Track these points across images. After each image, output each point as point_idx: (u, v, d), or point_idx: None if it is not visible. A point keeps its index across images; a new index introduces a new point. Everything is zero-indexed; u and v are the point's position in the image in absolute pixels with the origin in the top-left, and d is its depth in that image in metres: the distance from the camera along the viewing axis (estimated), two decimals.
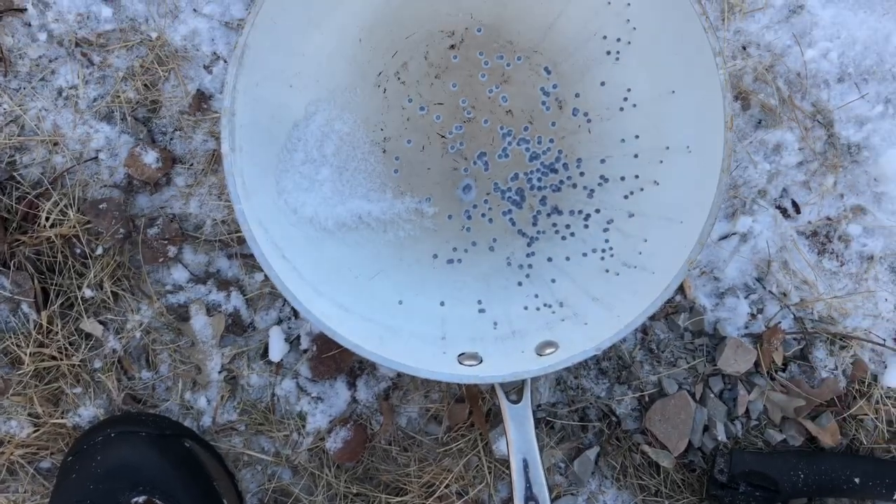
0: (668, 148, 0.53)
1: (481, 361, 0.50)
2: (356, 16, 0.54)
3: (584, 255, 0.56)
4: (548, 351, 0.50)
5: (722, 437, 0.60)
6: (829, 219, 0.62)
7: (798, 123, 0.61)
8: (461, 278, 0.56)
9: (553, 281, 0.56)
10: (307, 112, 0.54)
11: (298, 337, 0.60)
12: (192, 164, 0.59)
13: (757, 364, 0.61)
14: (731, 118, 0.49)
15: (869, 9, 0.61)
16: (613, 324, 0.48)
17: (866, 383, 0.61)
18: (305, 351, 0.60)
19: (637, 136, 0.55)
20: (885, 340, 0.61)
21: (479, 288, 0.56)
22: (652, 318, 0.62)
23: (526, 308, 0.55)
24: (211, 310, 0.59)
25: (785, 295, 0.62)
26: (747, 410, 0.61)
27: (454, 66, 0.57)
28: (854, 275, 0.62)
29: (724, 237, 0.62)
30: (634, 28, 0.53)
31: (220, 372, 0.60)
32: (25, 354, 0.57)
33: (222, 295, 0.59)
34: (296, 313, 0.61)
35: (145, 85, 0.59)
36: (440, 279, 0.56)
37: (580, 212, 0.57)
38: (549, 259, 0.57)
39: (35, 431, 0.58)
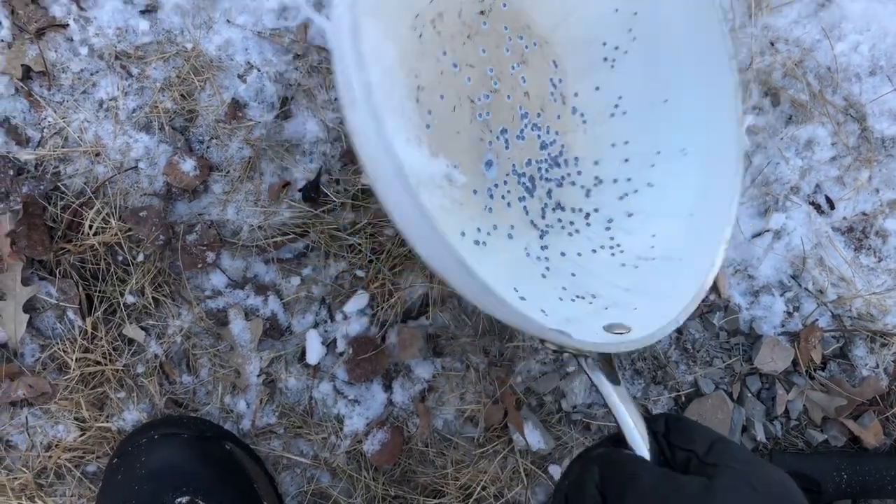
0: (659, 153, 0.54)
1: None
2: None
3: (594, 251, 0.55)
4: (618, 331, 0.46)
5: (761, 437, 0.60)
6: (864, 214, 0.62)
7: (830, 118, 0.61)
8: (490, 261, 0.55)
9: (573, 275, 0.54)
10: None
11: (335, 340, 0.61)
12: (228, 172, 0.60)
13: (795, 363, 0.61)
14: (741, 115, 0.50)
15: None
16: (669, 302, 0.46)
17: None
18: (342, 354, 0.61)
19: (626, 142, 0.56)
20: None
21: (509, 274, 0.54)
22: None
23: (561, 299, 0.52)
24: (249, 314, 0.60)
25: (822, 292, 0.61)
26: (786, 410, 0.61)
27: (484, 32, 0.56)
28: (893, 271, 0.61)
29: (758, 234, 0.62)
30: (635, 38, 0.54)
31: (258, 375, 0.61)
32: (72, 360, 0.58)
33: (260, 299, 0.60)
34: (331, 316, 0.61)
35: (182, 95, 0.60)
36: (472, 259, 0.55)
37: (581, 209, 0.57)
38: (563, 254, 0.55)
39: (81, 435, 0.60)
